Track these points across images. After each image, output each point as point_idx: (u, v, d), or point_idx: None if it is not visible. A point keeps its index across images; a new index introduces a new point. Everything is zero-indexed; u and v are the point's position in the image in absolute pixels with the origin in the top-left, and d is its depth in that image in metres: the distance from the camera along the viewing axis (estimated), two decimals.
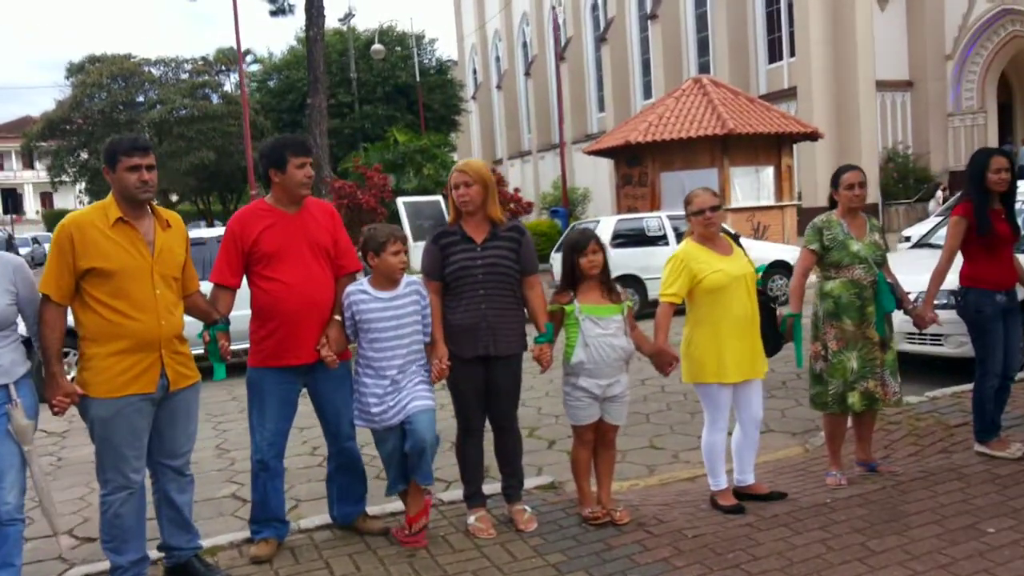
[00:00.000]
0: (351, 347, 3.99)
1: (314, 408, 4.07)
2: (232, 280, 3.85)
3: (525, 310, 4.11)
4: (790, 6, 27.62)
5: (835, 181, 4.49)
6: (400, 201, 18.83)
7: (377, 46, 31.50)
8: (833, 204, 4.56)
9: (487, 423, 4.11)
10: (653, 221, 12.38)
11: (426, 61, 37.49)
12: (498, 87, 48.15)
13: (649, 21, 34.07)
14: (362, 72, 34.43)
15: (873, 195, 25.94)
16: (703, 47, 32.40)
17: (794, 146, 22.25)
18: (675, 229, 12.44)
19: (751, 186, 18.49)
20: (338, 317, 3.89)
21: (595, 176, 34.61)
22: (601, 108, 39.04)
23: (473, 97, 50.79)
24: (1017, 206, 4.98)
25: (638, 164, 18.86)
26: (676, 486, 4.83)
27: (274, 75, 38.67)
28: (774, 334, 4.27)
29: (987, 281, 4.61)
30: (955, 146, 27.68)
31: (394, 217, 19.76)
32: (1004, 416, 4.85)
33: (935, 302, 4.69)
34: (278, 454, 3.93)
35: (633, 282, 11.86)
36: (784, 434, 5.89)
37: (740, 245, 4.25)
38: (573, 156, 35.38)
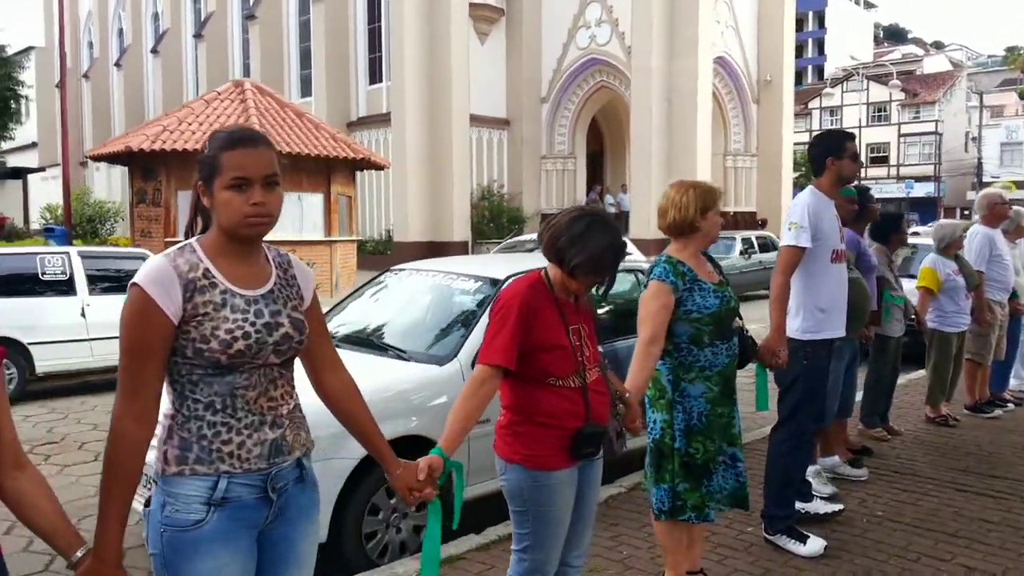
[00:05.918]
0: None
1: None
2: None
3: None
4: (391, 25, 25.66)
5: None
6: None
7: None
8: None
9: None
10: (54, 259, 8.61)
11: None
12: (86, 77, 41.28)
13: (248, 22, 30.42)
14: None
15: (464, 233, 24.60)
16: (305, 58, 29.46)
17: (369, 175, 20.01)
18: (93, 271, 8.89)
19: (294, 216, 15.61)
20: None
21: None
22: None
23: (57, 85, 43.33)
24: None
25: (153, 178, 15.11)
26: None
27: None
28: None
29: None
30: (547, 189, 27.48)
31: None
32: None
33: None
34: None
35: (14, 349, 8.10)
36: None
37: None
38: None
